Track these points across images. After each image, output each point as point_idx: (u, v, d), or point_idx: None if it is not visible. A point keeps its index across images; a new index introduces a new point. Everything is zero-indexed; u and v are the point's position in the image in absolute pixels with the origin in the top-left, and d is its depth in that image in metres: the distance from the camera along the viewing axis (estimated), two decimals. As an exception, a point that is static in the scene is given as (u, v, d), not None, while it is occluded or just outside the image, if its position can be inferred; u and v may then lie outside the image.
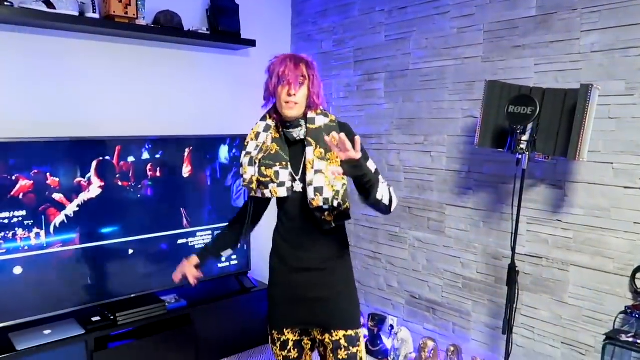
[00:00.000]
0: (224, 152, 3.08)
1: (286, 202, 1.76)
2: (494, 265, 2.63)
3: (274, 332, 1.86)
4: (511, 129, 2.14)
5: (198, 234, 3.02)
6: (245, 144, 1.81)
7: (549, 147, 2.12)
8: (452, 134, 2.78)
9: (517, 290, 2.25)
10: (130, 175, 2.71)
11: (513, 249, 2.24)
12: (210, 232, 3.06)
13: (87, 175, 2.56)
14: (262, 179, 1.72)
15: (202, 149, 2.99)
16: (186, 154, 2.92)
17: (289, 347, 1.83)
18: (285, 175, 1.71)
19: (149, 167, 2.78)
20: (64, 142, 2.50)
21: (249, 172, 1.75)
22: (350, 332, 1.77)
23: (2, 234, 2.34)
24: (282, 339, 1.84)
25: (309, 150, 1.71)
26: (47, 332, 2.49)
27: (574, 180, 2.30)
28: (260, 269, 3.70)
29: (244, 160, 1.77)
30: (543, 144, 2.13)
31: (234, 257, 3.19)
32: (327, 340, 1.78)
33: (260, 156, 1.74)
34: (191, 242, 2.99)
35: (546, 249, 2.42)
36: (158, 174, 2.81)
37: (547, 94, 2.14)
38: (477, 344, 2.74)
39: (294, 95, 1.67)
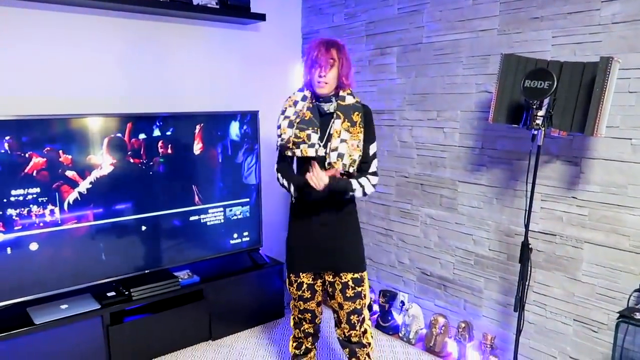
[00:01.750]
0: (234, 129, 3.07)
1: (309, 162, 1.98)
2: (507, 243, 2.61)
3: (291, 275, 2.18)
4: (527, 104, 2.09)
5: (210, 210, 3.03)
6: (284, 109, 2.10)
7: (566, 122, 2.07)
8: (466, 110, 2.72)
9: (529, 268, 2.24)
10: (142, 152, 2.72)
11: (526, 226, 2.21)
12: (221, 208, 3.08)
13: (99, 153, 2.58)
14: (296, 139, 2.01)
15: (212, 126, 2.97)
16: (197, 130, 2.91)
17: (303, 288, 2.17)
18: (315, 138, 2.01)
19: (160, 144, 2.78)
20: (75, 119, 2.50)
21: (288, 133, 2.03)
22: (356, 275, 2.11)
23: (18, 210, 2.37)
24: (298, 281, 2.17)
25: (337, 122, 2.01)
26: (63, 306, 2.55)
27: (591, 157, 2.25)
28: (272, 245, 3.73)
29: (284, 122, 2.05)
30: (559, 120, 2.08)
31: (245, 233, 3.21)
32: (337, 282, 2.12)
33: (298, 120, 2.02)
34: (203, 218, 3.01)
35: (560, 226, 2.39)
36: (169, 151, 2.81)
37: (565, 67, 2.07)
38: (488, 321, 2.74)
39: (324, 76, 1.96)
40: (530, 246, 2.23)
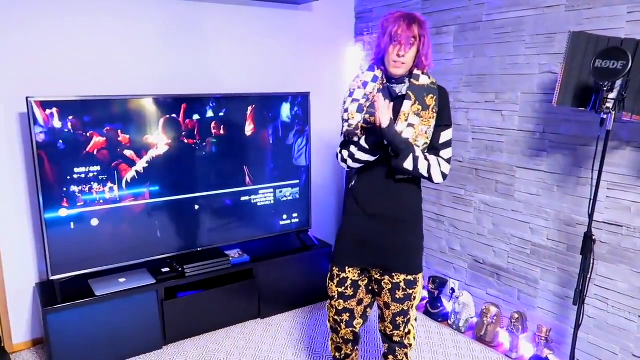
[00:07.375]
0: (285, 111, 3.06)
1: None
2: (567, 232, 2.48)
3: (335, 268, 1.97)
4: (597, 86, 1.94)
5: (260, 191, 3.06)
6: (351, 90, 1.86)
7: (640, 106, 1.91)
8: (527, 92, 2.58)
9: (592, 260, 2.11)
10: (196, 133, 2.77)
11: (590, 215, 2.09)
12: (272, 190, 3.10)
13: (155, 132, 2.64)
14: (365, 125, 1.81)
15: (264, 107, 2.98)
16: (249, 112, 2.93)
17: (346, 285, 1.96)
18: None
19: (213, 125, 2.82)
20: (133, 100, 2.57)
21: (357, 118, 1.81)
22: (410, 277, 1.90)
23: (80, 187, 2.48)
24: (341, 276, 1.96)
25: (407, 104, 1.78)
26: (122, 280, 2.67)
27: (666, 143, 2.08)
28: (321, 227, 3.74)
29: (352, 106, 1.83)
30: (633, 103, 1.93)
31: (294, 215, 3.23)
32: (386, 281, 1.91)
33: (368, 104, 1.81)
34: (254, 199, 3.05)
35: (628, 217, 2.24)
36: (222, 131, 2.85)
37: (642, 46, 1.91)
38: (544, 312, 2.63)
39: (403, 56, 1.73)
40: (593, 237, 2.11)
